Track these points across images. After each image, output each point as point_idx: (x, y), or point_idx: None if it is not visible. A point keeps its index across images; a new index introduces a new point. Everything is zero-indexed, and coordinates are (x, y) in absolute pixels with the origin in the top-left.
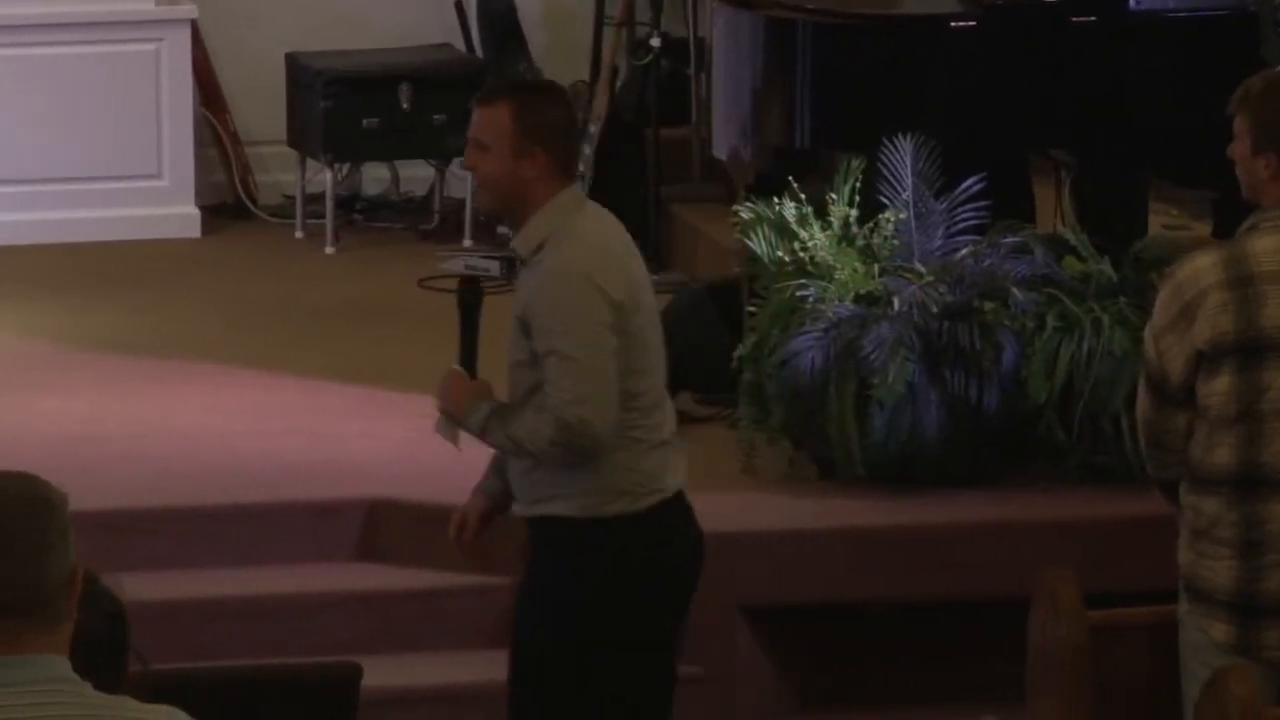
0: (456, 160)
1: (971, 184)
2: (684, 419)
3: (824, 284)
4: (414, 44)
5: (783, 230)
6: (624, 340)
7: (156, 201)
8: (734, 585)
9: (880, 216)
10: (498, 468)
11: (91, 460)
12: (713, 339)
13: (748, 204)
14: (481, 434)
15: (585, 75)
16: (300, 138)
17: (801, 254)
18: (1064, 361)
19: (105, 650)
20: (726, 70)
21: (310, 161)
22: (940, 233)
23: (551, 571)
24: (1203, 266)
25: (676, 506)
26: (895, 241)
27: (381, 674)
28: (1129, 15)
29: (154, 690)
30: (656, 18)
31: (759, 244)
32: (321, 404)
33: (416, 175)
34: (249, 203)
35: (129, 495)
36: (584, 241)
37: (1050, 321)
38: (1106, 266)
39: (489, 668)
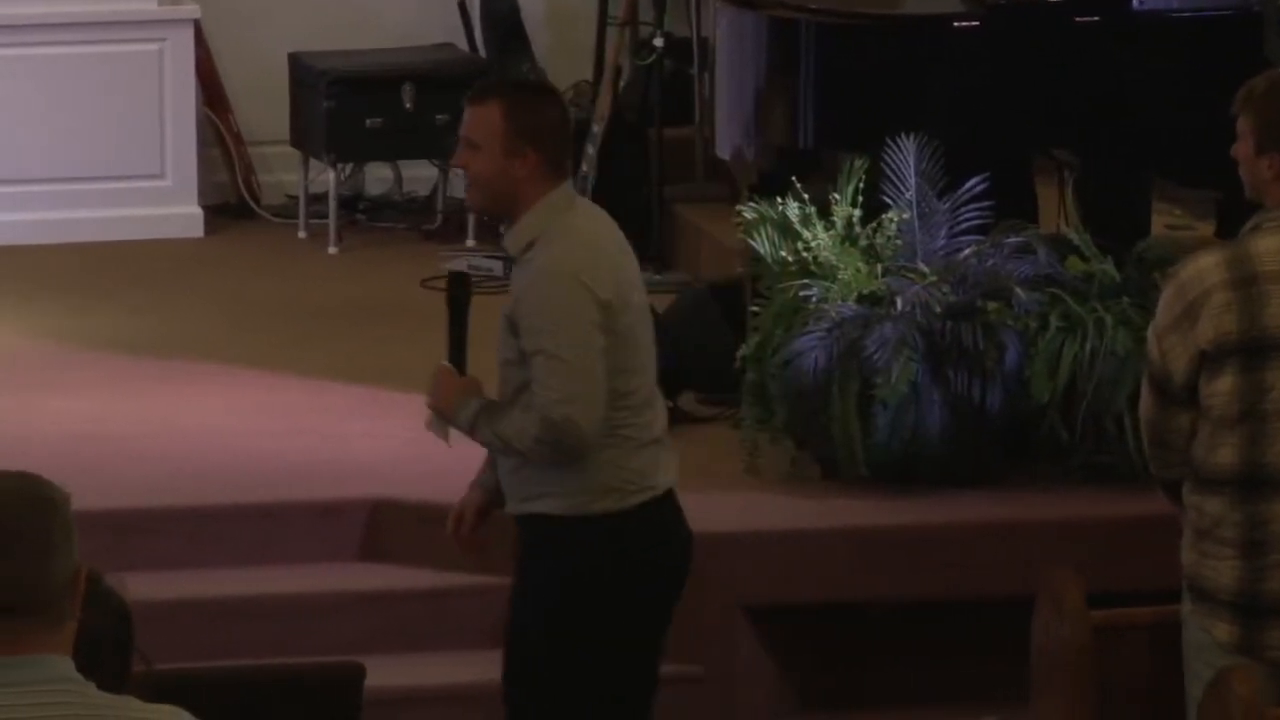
0: None
1: (975, 184)
2: (687, 419)
3: (827, 284)
4: (417, 44)
5: (786, 230)
6: (613, 339)
7: (159, 201)
8: (736, 585)
9: (883, 216)
10: (494, 462)
11: (94, 460)
12: (716, 339)
13: (751, 204)
14: (470, 431)
15: (588, 75)
16: (303, 137)
17: (805, 254)
18: (1067, 361)
19: (109, 650)
20: (730, 70)
21: (313, 161)
22: (943, 233)
23: (540, 569)
24: (1206, 266)
25: (666, 505)
26: (898, 241)
27: (385, 674)
28: (1132, 15)
29: (158, 690)
30: (660, 17)
31: (762, 244)
32: (324, 404)
33: (419, 175)
34: (252, 203)
35: (132, 495)
36: (574, 240)
37: (1053, 321)
38: (1110, 266)
39: (492, 667)
